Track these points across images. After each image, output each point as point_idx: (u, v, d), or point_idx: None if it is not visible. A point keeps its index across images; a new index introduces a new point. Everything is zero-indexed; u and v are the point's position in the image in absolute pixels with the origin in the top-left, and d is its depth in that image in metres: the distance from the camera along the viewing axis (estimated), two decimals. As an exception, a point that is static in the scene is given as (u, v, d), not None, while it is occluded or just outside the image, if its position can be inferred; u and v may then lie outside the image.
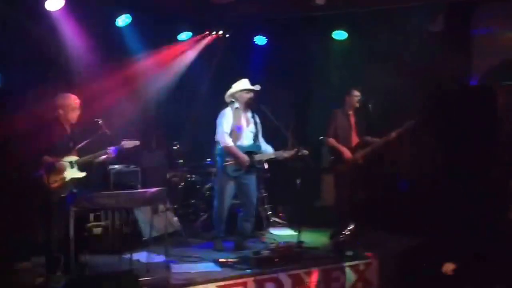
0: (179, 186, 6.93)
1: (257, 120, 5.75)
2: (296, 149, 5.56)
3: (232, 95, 5.69)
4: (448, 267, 3.98)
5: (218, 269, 4.98)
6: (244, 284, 4.72)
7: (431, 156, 6.40)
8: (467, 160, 5.90)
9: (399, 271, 5.58)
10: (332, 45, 7.37)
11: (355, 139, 6.30)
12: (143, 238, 5.72)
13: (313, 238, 6.08)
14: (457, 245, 4.47)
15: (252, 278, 4.78)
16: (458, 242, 4.38)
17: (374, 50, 6.82)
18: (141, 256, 5.24)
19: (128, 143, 5.00)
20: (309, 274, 5.10)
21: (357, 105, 6.25)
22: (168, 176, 6.97)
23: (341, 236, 5.81)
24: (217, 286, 4.59)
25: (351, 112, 6.32)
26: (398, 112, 6.52)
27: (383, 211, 6.35)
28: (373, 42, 6.83)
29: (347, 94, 6.30)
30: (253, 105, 5.68)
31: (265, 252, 5.21)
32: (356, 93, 6.24)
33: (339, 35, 7.30)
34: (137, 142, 5.08)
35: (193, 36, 7.44)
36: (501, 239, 3.68)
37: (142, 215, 5.90)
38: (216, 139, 5.67)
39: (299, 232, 5.70)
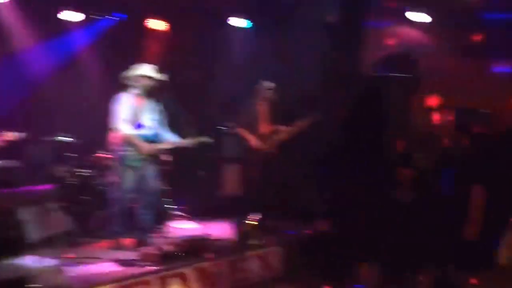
0: (70, 182, 6.41)
1: (161, 108, 5.46)
2: (199, 138, 5.41)
3: (129, 78, 5.34)
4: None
5: (118, 268, 4.64)
6: (147, 282, 4.45)
7: (331, 144, 6.55)
8: (362, 148, 6.12)
9: (302, 257, 5.69)
10: (235, 34, 7.34)
11: (264, 128, 6.26)
12: (30, 241, 5.20)
13: (218, 229, 5.96)
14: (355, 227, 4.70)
15: (155, 276, 4.53)
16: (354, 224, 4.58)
17: (276, 40, 6.87)
18: (29, 261, 4.74)
19: (7, 135, 4.51)
20: (214, 266, 4.99)
21: (267, 95, 6.25)
22: (56, 171, 6.42)
23: (245, 225, 5.75)
24: (118, 286, 4.27)
25: (261, 102, 6.29)
26: (305, 102, 6.61)
27: (286, 199, 6.41)
28: (274, 31, 6.88)
29: (257, 84, 6.28)
30: (157, 93, 5.38)
31: (168, 247, 5.01)
32: (266, 83, 6.27)
33: (240, 23, 7.27)
34: (19, 135, 4.60)
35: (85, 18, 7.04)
36: (387, 216, 3.90)
37: (28, 215, 5.36)
38: (112, 127, 5.29)
39: (203, 224, 5.54)
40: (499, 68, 7.00)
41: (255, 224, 5.71)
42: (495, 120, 6.56)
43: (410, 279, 4.10)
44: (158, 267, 4.65)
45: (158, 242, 5.32)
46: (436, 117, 4.40)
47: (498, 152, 6.38)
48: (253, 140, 6.15)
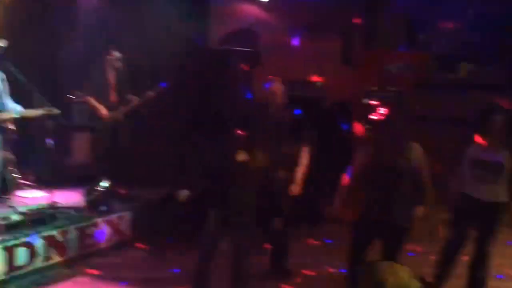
0: None
1: (2, 77, 5.31)
2: (45, 108, 5.33)
3: None
4: (182, 194, 4.52)
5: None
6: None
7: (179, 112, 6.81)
8: (208, 115, 6.46)
9: (150, 222, 5.97)
10: (86, 2, 7.13)
11: (113, 97, 6.29)
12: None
13: (66, 198, 5.97)
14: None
15: (0, 246, 4.53)
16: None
17: (126, 10, 6.84)
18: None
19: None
20: (63, 233, 5.08)
21: (116, 64, 6.26)
22: None
23: (95, 192, 5.85)
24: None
25: (110, 71, 6.28)
26: (155, 72, 6.72)
27: (136, 166, 6.56)
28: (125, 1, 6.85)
29: (106, 53, 6.25)
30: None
31: (14, 217, 4.98)
32: (115, 52, 6.25)
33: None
34: None
35: None
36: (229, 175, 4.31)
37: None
38: None
39: (51, 192, 5.54)
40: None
41: (104, 191, 5.84)
42: (327, 92, 7.33)
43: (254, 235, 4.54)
44: (3, 237, 4.64)
45: (3, 212, 5.22)
46: (271, 88, 4.90)
47: (326, 118, 7.19)
48: (101, 109, 6.20)
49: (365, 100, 7.13)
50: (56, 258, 5.01)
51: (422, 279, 3.36)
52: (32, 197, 6.10)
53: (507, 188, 4.52)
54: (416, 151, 4.13)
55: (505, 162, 4.47)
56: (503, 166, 4.46)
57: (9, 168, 6.26)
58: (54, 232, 5.02)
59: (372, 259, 3.91)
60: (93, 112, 6.22)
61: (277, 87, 5.07)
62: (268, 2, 7.37)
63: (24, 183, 6.52)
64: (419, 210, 4.21)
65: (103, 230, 5.55)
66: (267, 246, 5.25)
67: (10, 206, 5.57)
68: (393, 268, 2.82)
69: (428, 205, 4.21)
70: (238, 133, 4.36)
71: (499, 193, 4.50)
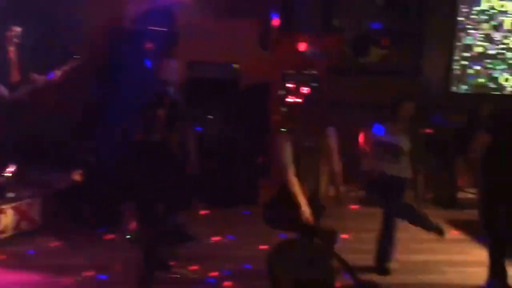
0: None
1: None
2: None
3: None
4: (76, 176, 4.44)
5: None
6: None
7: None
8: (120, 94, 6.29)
9: (60, 207, 5.78)
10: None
11: (14, 77, 5.94)
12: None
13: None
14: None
15: None
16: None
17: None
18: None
19: None
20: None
21: (17, 40, 5.86)
22: None
23: (1, 177, 5.58)
24: None
25: (11, 48, 5.91)
26: (60, 51, 6.44)
27: (44, 150, 6.32)
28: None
29: (7, 29, 5.88)
30: None
31: None
32: (16, 28, 5.88)
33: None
34: None
35: None
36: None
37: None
38: None
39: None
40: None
41: (11, 176, 5.59)
42: (244, 74, 7.32)
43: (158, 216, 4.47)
44: None
45: None
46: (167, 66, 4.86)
47: (242, 101, 7.23)
48: (1, 89, 5.81)
49: (282, 83, 7.20)
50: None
51: (337, 256, 3.45)
52: None
53: (410, 167, 4.97)
54: (330, 133, 4.29)
55: (403, 145, 4.92)
56: (401, 148, 4.92)
57: None
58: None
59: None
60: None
61: (173, 66, 4.94)
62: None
63: None
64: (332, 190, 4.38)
65: (10, 217, 5.31)
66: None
67: None
68: (308, 247, 2.89)
69: (339, 185, 4.38)
70: (145, 113, 4.28)
71: (401, 170, 4.93)
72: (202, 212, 6.30)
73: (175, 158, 4.45)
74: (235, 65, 7.23)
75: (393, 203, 4.85)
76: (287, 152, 4.17)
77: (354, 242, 5.47)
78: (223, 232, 5.75)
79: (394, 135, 4.94)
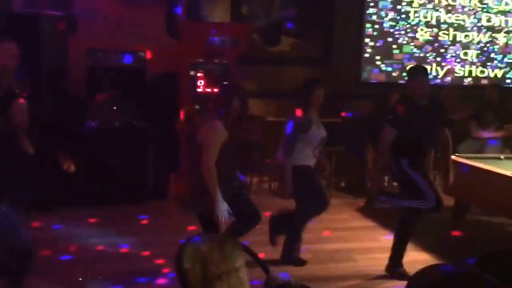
0: None
1: None
2: None
3: None
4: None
5: None
6: None
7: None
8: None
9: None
10: None
11: None
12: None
13: None
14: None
15: None
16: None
17: None
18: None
19: None
20: None
21: None
22: None
23: None
24: None
25: None
26: None
27: None
28: None
29: None
30: None
31: None
32: None
33: None
34: None
35: None
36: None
37: None
38: None
39: None
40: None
41: None
42: (150, 63, 7.00)
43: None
44: None
45: None
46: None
47: (149, 90, 6.91)
48: None
49: (191, 72, 6.96)
50: None
51: (246, 248, 3.28)
52: None
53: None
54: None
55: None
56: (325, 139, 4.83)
57: None
58: None
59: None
60: None
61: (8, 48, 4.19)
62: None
63: None
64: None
65: None
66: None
67: None
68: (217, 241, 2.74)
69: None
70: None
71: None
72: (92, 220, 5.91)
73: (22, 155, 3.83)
74: (141, 53, 6.89)
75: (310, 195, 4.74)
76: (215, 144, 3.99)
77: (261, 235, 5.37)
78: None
79: (318, 126, 4.76)
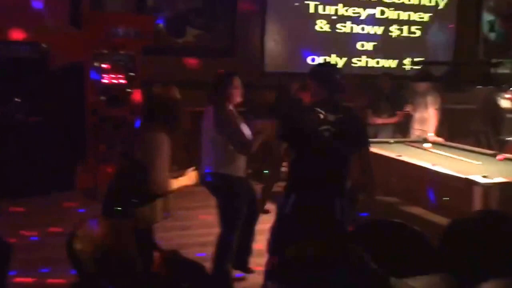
0: None
1: None
2: None
3: None
4: None
5: None
6: None
7: None
8: None
9: None
10: None
11: None
12: None
13: None
14: None
15: None
16: None
17: None
18: None
19: None
20: None
21: None
22: None
23: None
24: None
25: None
26: None
27: None
28: None
29: None
30: None
31: None
32: None
33: None
34: None
35: None
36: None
37: None
38: None
39: None
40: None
41: None
42: (52, 53, 6.90)
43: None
44: None
45: None
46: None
47: (52, 81, 6.82)
48: None
49: (96, 63, 6.93)
50: None
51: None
52: None
53: None
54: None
55: None
56: None
57: None
58: None
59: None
60: None
61: None
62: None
63: None
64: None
65: None
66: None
67: None
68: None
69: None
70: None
71: None
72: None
73: None
74: (42, 44, 6.78)
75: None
76: None
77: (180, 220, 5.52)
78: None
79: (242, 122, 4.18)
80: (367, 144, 3.58)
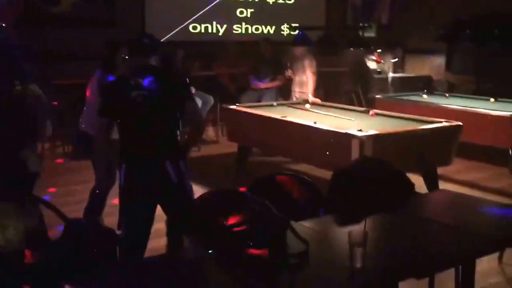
0: None
1: None
2: None
3: None
4: None
5: None
6: None
7: None
8: None
9: None
10: None
11: None
12: None
13: None
14: None
15: None
16: None
17: None
18: None
19: None
20: None
21: None
22: None
23: None
24: None
25: None
26: None
27: None
28: None
29: None
30: None
31: None
32: None
33: None
34: None
35: None
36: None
37: None
38: None
39: None
40: None
41: None
42: None
43: None
44: None
45: None
46: None
47: None
48: None
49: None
50: None
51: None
52: None
53: None
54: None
55: None
56: None
57: None
58: None
59: None
60: None
61: None
62: None
63: None
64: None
65: None
66: None
67: None
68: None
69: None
70: None
71: None
72: None
73: None
74: None
75: None
76: None
77: (64, 196, 5.45)
78: None
79: None
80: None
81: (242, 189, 3.41)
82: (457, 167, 6.13)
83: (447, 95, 8.00)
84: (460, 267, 2.93)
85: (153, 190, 3.33)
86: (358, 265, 2.19)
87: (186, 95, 3.46)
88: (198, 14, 8.86)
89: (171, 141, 3.39)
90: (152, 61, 3.40)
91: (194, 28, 8.96)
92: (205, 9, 8.93)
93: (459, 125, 5.19)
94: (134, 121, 3.33)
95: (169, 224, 3.59)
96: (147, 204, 3.36)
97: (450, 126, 5.18)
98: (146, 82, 3.29)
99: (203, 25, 8.89)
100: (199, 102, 7.31)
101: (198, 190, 4.80)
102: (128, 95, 3.27)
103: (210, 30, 9.06)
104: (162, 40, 8.45)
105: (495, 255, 4.03)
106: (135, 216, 3.35)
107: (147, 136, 3.33)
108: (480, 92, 8.12)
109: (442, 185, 5.29)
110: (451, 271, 2.96)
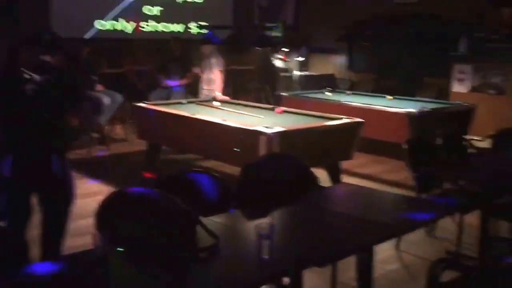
0: None
1: None
2: None
3: None
4: None
5: None
6: None
7: None
8: None
9: None
10: None
11: None
12: None
13: None
14: None
15: None
16: None
17: None
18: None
19: None
20: None
21: None
22: None
23: None
24: None
25: None
26: None
27: None
28: None
29: None
30: None
31: None
32: None
33: None
34: None
35: None
36: None
37: None
38: None
39: None
40: None
41: None
42: None
43: None
44: None
45: None
46: None
47: None
48: None
49: None
50: None
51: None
52: None
53: None
54: None
55: None
56: None
57: None
58: None
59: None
60: None
61: None
62: None
63: None
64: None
65: None
66: None
67: None
68: None
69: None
70: None
71: None
72: None
73: None
74: None
75: None
76: None
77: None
78: None
79: None
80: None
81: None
82: (359, 161, 6.46)
83: (348, 92, 8.38)
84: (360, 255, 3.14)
85: (37, 181, 3.39)
86: (266, 256, 2.30)
87: (80, 95, 3.61)
88: (106, 11, 8.66)
89: (58, 135, 3.46)
90: (53, 58, 3.42)
91: (101, 25, 8.76)
92: (113, 6, 8.75)
93: (360, 121, 5.48)
94: (23, 113, 3.34)
95: (45, 229, 3.50)
96: (29, 195, 3.42)
97: (352, 122, 5.46)
98: (41, 77, 3.32)
99: (110, 22, 8.71)
100: (107, 100, 7.19)
101: (107, 189, 4.80)
102: (19, 87, 3.30)
103: (117, 28, 8.89)
104: (67, 37, 8.20)
105: (393, 244, 4.33)
106: (18, 206, 3.40)
107: (35, 129, 3.37)
108: (379, 89, 8.59)
109: (345, 178, 5.57)
110: (352, 259, 3.16)
